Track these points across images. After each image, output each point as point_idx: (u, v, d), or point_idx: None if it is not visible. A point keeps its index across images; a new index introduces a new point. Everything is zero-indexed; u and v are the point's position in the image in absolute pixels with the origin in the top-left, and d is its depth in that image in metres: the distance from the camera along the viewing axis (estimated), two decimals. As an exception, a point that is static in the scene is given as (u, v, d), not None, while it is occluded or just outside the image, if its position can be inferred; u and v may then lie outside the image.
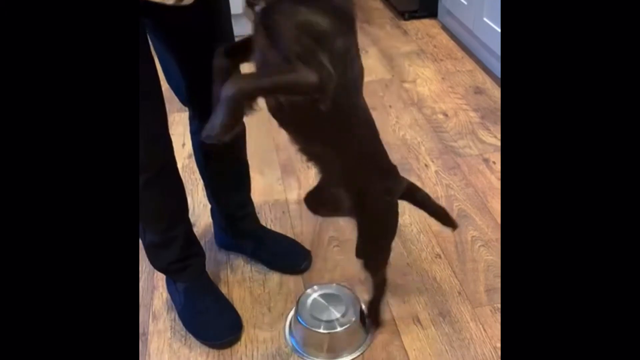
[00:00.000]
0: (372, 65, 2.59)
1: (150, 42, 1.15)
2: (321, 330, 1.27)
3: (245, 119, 1.37)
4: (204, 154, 1.42)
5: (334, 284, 1.38)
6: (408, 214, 1.68)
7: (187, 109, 1.35)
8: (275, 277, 1.50)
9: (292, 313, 1.37)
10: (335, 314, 1.30)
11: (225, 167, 1.44)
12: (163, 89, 1.16)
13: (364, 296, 1.37)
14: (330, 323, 1.28)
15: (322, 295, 1.34)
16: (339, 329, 1.27)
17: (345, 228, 1.64)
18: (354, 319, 1.29)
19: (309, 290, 1.36)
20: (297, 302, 1.33)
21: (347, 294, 1.35)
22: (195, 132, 1.38)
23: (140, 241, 1.32)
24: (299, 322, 1.29)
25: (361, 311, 1.33)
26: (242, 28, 3.40)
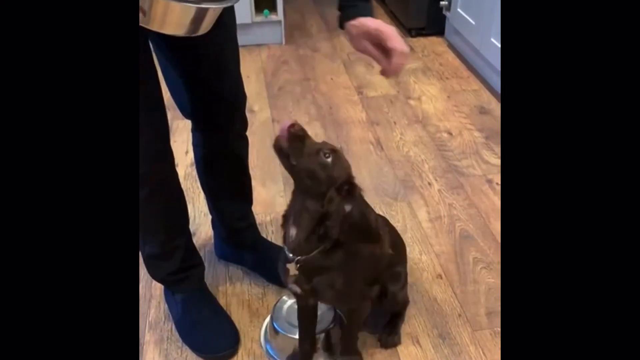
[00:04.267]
0: (378, 81, 2.59)
1: (154, 57, 1.14)
2: (297, 337, 1.26)
3: (249, 132, 1.38)
4: (205, 166, 1.41)
5: None
6: (410, 233, 1.68)
7: (190, 118, 1.33)
8: (274, 290, 1.49)
9: (267, 319, 1.36)
10: None
11: (228, 180, 1.43)
12: (165, 97, 1.15)
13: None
14: None
15: None
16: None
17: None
18: (331, 326, 1.28)
19: (285, 297, 1.36)
20: (273, 308, 1.33)
21: None
22: (197, 145, 1.37)
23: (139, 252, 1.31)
24: (275, 328, 1.29)
25: (338, 317, 1.30)
26: (253, 37, 3.38)
